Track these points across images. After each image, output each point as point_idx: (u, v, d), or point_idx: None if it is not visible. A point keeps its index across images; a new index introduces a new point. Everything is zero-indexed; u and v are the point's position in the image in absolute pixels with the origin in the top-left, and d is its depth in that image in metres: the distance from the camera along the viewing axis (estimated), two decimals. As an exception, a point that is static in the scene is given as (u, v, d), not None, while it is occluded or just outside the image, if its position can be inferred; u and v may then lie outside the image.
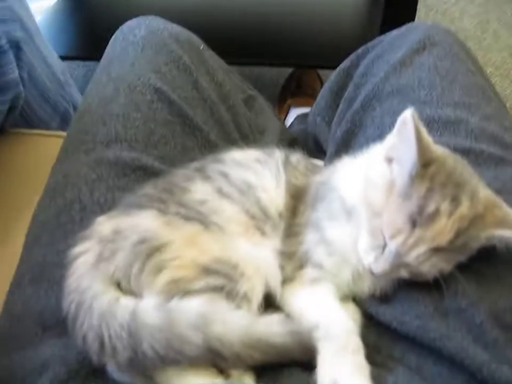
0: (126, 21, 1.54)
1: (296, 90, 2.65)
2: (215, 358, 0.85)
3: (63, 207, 1.14)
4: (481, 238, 0.91)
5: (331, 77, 1.59)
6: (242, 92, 1.59)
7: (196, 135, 1.29)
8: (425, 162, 0.89)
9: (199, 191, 1.03)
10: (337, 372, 0.86)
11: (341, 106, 1.45)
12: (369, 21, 2.60)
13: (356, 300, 1.01)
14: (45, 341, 0.98)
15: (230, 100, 1.44)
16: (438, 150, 0.94)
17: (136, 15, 1.55)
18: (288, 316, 0.94)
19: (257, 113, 1.59)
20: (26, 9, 1.65)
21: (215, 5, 2.58)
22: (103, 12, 2.62)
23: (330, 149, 1.41)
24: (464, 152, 1.08)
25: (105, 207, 1.10)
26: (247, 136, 1.45)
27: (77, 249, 0.96)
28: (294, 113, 2.51)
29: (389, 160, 0.95)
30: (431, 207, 0.88)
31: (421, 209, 0.88)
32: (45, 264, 1.08)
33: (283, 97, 2.65)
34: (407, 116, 0.88)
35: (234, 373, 0.88)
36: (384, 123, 1.26)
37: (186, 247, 0.93)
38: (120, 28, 1.52)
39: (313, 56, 2.52)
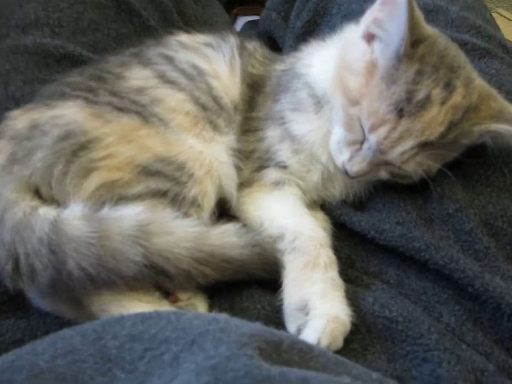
0: None
1: (241, 3, 2.44)
2: (158, 277, 0.70)
3: None
4: (474, 133, 0.78)
5: None
6: None
7: (133, 21, 1.11)
8: (415, 40, 0.74)
9: (136, 77, 0.85)
10: (307, 290, 0.72)
11: None
12: None
13: (325, 206, 0.88)
14: None
15: None
16: (428, 28, 0.78)
17: None
18: (246, 225, 0.79)
19: (204, 7, 1.39)
20: None
21: None
22: None
23: (288, 42, 1.25)
24: None
25: (22, 103, 0.90)
26: (193, 27, 1.25)
27: None
28: (241, 22, 2.31)
29: (370, 38, 0.79)
30: (421, 93, 0.73)
31: (409, 95, 0.74)
32: None
33: (230, 6, 2.43)
34: None
35: (183, 296, 0.73)
36: (352, 11, 1.11)
37: (120, 143, 0.77)
38: None
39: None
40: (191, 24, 1.27)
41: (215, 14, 1.44)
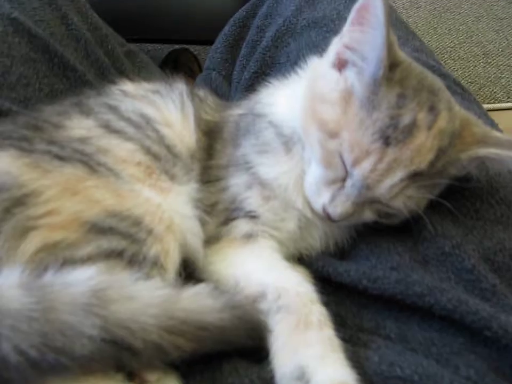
0: None
1: (173, 71, 2.40)
2: (121, 354, 0.57)
3: None
4: (461, 161, 0.71)
5: (225, 30, 1.38)
6: (121, 45, 1.31)
7: (67, 75, 1.02)
8: (391, 63, 0.67)
9: (79, 126, 0.75)
10: (303, 355, 0.60)
11: (243, 52, 1.25)
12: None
13: (303, 260, 0.77)
14: None
15: (108, 44, 1.18)
16: (401, 51, 0.72)
17: None
18: (217, 287, 0.66)
19: (140, 68, 1.31)
20: None
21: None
22: None
23: (236, 97, 1.17)
24: None
25: None
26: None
27: None
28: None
29: (341, 65, 0.72)
30: (406, 118, 0.66)
31: (394, 121, 0.66)
32: None
33: (160, 79, 2.39)
34: None
35: (151, 377, 0.60)
36: (302, 57, 1.04)
37: (64, 196, 0.65)
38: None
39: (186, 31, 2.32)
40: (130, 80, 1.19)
41: (152, 75, 1.37)
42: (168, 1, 2.26)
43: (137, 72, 1.29)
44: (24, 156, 0.67)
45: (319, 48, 1.04)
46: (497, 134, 0.74)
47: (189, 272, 0.71)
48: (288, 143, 0.76)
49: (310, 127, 0.72)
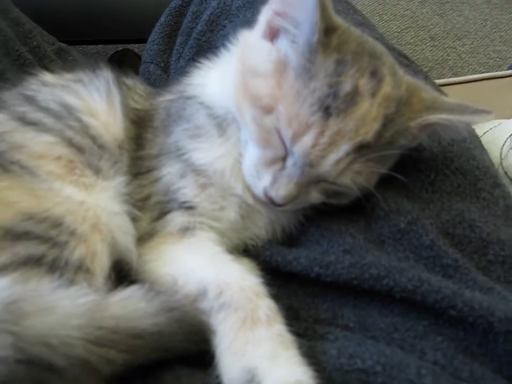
0: None
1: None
2: (40, 375, 0.49)
3: None
4: (411, 130, 0.66)
5: (160, 21, 1.31)
6: (50, 43, 1.22)
7: None
8: (327, 28, 0.61)
9: None
10: (252, 355, 0.54)
11: (178, 40, 1.18)
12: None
13: (249, 250, 0.70)
14: None
15: (33, 40, 1.10)
16: (337, 17, 0.66)
17: None
18: (153, 287, 0.59)
19: (72, 66, 1.22)
20: None
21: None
22: None
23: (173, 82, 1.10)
24: None
25: None
26: None
27: None
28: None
29: (272, 35, 0.66)
30: (347, 85, 0.60)
31: (333, 89, 0.60)
32: None
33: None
34: None
35: None
36: None
37: None
38: None
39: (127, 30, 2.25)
40: None
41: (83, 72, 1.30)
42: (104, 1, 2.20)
43: (69, 70, 1.21)
44: None
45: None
46: (447, 98, 0.69)
47: (124, 275, 0.64)
48: (221, 124, 0.70)
49: (243, 104, 0.65)
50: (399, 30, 2.66)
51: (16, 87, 0.76)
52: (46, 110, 0.70)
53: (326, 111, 0.60)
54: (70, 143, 0.67)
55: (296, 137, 0.61)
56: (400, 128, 0.64)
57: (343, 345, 0.57)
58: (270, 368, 0.53)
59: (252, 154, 0.66)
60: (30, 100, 0.72)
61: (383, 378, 0.53)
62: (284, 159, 0.63)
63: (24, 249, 0.56)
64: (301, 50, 0.62)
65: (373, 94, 0.61)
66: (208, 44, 1.06)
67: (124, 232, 0.65)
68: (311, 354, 0.56)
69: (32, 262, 0.56)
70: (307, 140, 0.60)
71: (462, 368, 0.56)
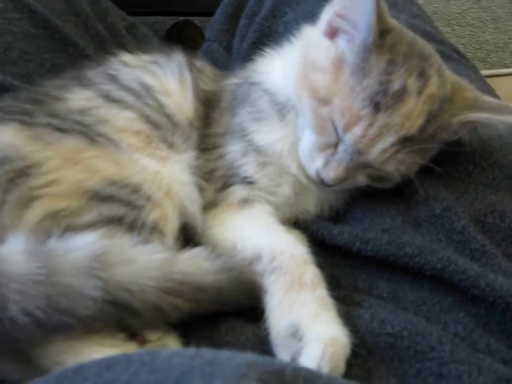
0: None
1: (177, 43, 2.40)
2: (122, 314, 0.59)
3: None
4: (453, 126, 0.73)
5: (224, 1, 1.38)
6: (122, 19, 1.32)
7: (68, 50, 1.03)
8: (382, 30, 0.69)
9: (78, 98, 0.77)
10: (297, 313, 0.63)
11: (242, 22, 1.26)
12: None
13: (300, 223, 0.79)
14: None
15: (108, 18, 1.19)
16: (392, 19, 0.73)
17: None
18: (215, 250, 0.68)
19: (140, 42, 1.32)
20: None
21: None
22: None
23: (236, 66, 1.18)
24: None
25: None
26: None
27: None
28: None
29: (332, 33, 0.73)
30: (396, 84, 0.68)
31: (383, 87, 0.68)
32: None
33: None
34: None
35: (152, 337, 0.63)
36: (300, 26, 1.05)
37: (65, 167, 0.68)
38: None
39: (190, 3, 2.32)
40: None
41: (154, 49, 1.38)
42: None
43: (138, 46, 1.30)
44: (26, 129, 0.69)
45: (315, 17, 1.04)
46: (489, 98, 0.75)
47: (189, 237, 0.73)
48: (282, 110, 0.78)
49: (302, 94, 0.73)
50: (460, 11, 2.64)
51: (100, 66, 0.85)
52: (127, 89, 0.79)
53: (376, 106, 0.67)
54: (148, 120, 0.77)
55: (348, 127, 0.69)
56: (443, 124, 0.72)
57: (376, 312, 0.66)
58: (312, 325, 0.61)
59: (308, 139, 0.74)
60: (113, 79, 0.81)
61: (408, 342, 0.61)
62: (335, 145, 0.71)
63: (108, 210, 0.67)
64: (356, 49, 0.69)
65: (419, 93, 0.69)
66: (270, 30, 1.13)
67: (192, 200, 0.75)
68: (348, 317, 0.64)
69: (115, 221, 0.66)
70: (357, 130, 0.68)
71: (479, 341, 0.64)
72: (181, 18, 2.57)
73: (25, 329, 0.56)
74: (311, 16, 1.04)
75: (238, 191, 0.76)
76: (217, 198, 0.76)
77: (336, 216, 0.80)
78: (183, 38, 2.48)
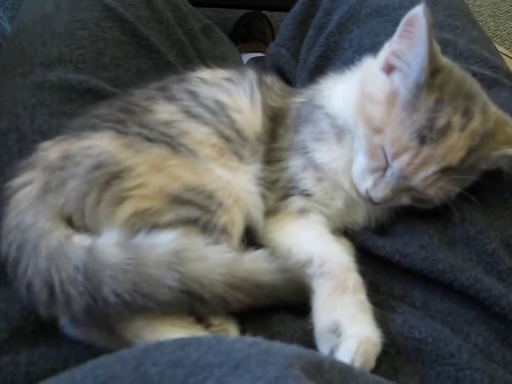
0: None
1: (246, 35, 2.50)
2: (193, 302, 0.71)
3: None
4: (491, 158, 0.81)
5: (295, 8, 1.46)
6: (199, 21, 1.43)
7: (152, 57, 1.14)
8: (433, 70, 0.77)
9: (163, 111, 0.88)
10: (338, 313, 0.74)
11: (310, 32, 1.33)
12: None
13: (348, 232, 0.90)
14: None
15: (187, 23, 1.29)
16: (444, 58, 0.82)
17: None
18: (274, 252, 0.80)
19: (215, 44, 1.43)
20: None
21: None
22: None
23: (301, 77, 1.28)
24: None
25: (49, 135, 0.92)
26: (207, 63, 1.29)
27: (17, 180, 0.79)
28: (245, 59, 2.36)
29: (389, 69, 0.82)
30: (441, 121, 0.77)
31: (430, 123, 0.77)
32: None
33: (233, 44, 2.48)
34: (418, 13, 0.75)
35: (215, 322, 0.74)
36: (363, 45, 1.14)
37: (152, 173, 0.79)
38: None
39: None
40: (205, 59, 1.30)
41: (226, 50, 1.48)
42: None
43: (212, 48, 1.39)
44: (120, 137, 0.80)
45: (379, 37, 1.12)
46: None
47: (251, 239, 0.85)
48: (340, 133, 0.88)
49: (358, 122, 0.83)
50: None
51: (183, 82, 0.95)
52: (205, 106, 0.90)
53: (422, 139, 0.76)
54: (221, 134, 0.87)
55: (396, 155, 0.78)
56: (483, 156, 0.80)
57: (407, 318, 0.76)
58: (350, 324, 0.72)
59: (361, 161, 0.84)
60: (193, 96, 0.91)
61: (431, 348, 0.71)
62: (384, 169, 0.80)
63: (185, 212, 0.77)
64: (409, 87, 0.78)
65: (462, 129, 0.77)
66: (336, 45, 1.22)
67: (256, 207, 0.85)
68: (382, 320, 0.74)
69: (190, 223, 0.77)
70: (404, 159, 0.77)
71: (496, 353, 0.73)
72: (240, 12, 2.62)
73: (114, 307, 0.68)
74: (374, 35, 1.13)
75: (296, 202, 0.86)
76: (278, 206, 0.87)
77: (381, 228, 0.89)
78: (252, 30, 2.56)
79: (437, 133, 0.76)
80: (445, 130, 0.76)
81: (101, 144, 0.79)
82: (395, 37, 0.81)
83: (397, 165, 0.78)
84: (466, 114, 0.78)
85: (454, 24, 1.16)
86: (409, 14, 0.77)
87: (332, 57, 1.21)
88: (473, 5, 2.92)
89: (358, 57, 1.04)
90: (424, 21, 0.74)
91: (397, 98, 0.79)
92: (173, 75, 1.01)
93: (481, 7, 2.93)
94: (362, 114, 0.82)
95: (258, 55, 2.35)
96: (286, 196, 0.87)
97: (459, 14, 1.21)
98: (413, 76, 0.78)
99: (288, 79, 1.40)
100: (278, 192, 0.88)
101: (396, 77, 0.81)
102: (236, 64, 1.43)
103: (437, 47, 0.79)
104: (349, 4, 1.24)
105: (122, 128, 0.82)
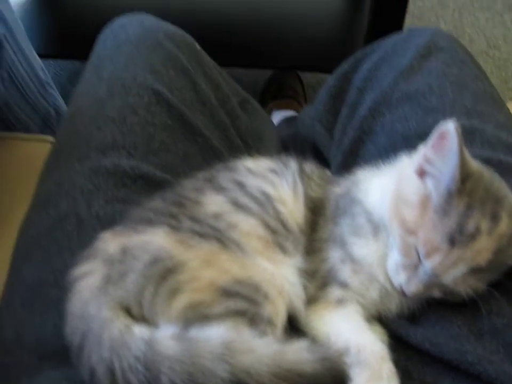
0: (108, 18, 1.44)
1: (277, 92, 2.59)
2: None
3: (57, 221, 1.04)
4: None
5: (328, 81, 1.53)
6: (237, 95, 1.50)
7: (197, 140, 1.21)
8: (464, 177, 0.84)
9: (212, 203, 0.94)
10: None
11: (343, 111, 1.39)
12: (351, 27, 2.62)
13: (382, 320, 0.96)
14: (42, 373, 0.88)
15: (228, 103, 1.36)
16: (473, 162, 0.89)
17: (118, 12, 1.45)
18: (313, 339, 0.87)
19: (252, 117, 1.50)
20: (6, 2, 1.53)
21: (197, 5, 2.51)
22: (83, 7, 2.50)
23: (337, 158, 1.35)
24: (482, 163, 1.03)
25: (105, 221, 1.01)
26: (248, 143, 1.37)
27: (80, 269, 0.86)
28: (276, 116, 2.45)
29: (422, 173, 0.89)
30: (471, 225, 0.83)
31: (460, 227, 0.83)
32: (38, 284, 0.98)
33: (264, 101, 2.58)
34: (450, 129, 0.83)
35: None
36: (395, 130, 1.21)
37: (202, 267, 0.85)
38: (110, 25, 1.41)
39: (296, 58, 2.50)
40: (244, 137, 1.38)
41: (262, 121, 1.55)
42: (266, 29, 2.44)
43: (250, 122, 1.45)
44: (173, 233, 0.86)
45: (409, 122, 1.20)
46: None
47: (292, 325, 0.91)
48: (376, 228, 0.94)
49: (393, 222, 0.89)
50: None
51: (230, 171, 1.01)
52: (251, 196, 0.95)
53: (452, 242, 0.83)
54: (267, 226, 0.93)
55: (428, 255, 0.84)
56: (509, 255, 0.86)
57: None
58: None
59: (395, 257, 0.90)
60: (240, 186, 0.96)
61: None
62: (417, 266, 0.87)
63: (234, 304, 0.83)
64: (441, 192, 0.84)
65: (490, 233, 0.83)
66: (369, 128, 1.27)
67: (298, 298, 0.91)
68: None
69: (239, 315, 0.82)
70: (436, 259, 0.84)
71: None
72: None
73: None
74: (405, 121, 1.20)
75: (335, 292, 0.92)
76: (318, 295, 0.93)
77: (413, 316, 0.95)
78: (283, 87, 2.66)
79: (466, 236, 0.83)
80: (474, 235, 0.83)
81: (157, 240, 0.86)
82: (429, 145, 0.88)
83: (428, 264, 0.85)
84: (494, 218, 0.84)
85: (481, 109, 1.22)
86: (441, 128, 0.84)
87: (365, 140, 1.27)
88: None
89: (390, 143, 1.12)
90: (455, 135, 0.81)
91: (429, 202, 0.86)
92: (218, 162, 1.07)
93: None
94: (397, 216, 0.89)
95: (290, 114, 2.44)
96: (324, 285, 0.93)
97: (486, 98, 1.27)
98: (444, 183, 0.84)
99: (322, 153, 1.47)
100: (317, 281, 0.94)
101: (429, 181, 0.88)
102: (272, 138, 1.51)
103: (468, 154, 0.85)
104: (381, 87, 1.30)
105: (175, 223, 0.89)
